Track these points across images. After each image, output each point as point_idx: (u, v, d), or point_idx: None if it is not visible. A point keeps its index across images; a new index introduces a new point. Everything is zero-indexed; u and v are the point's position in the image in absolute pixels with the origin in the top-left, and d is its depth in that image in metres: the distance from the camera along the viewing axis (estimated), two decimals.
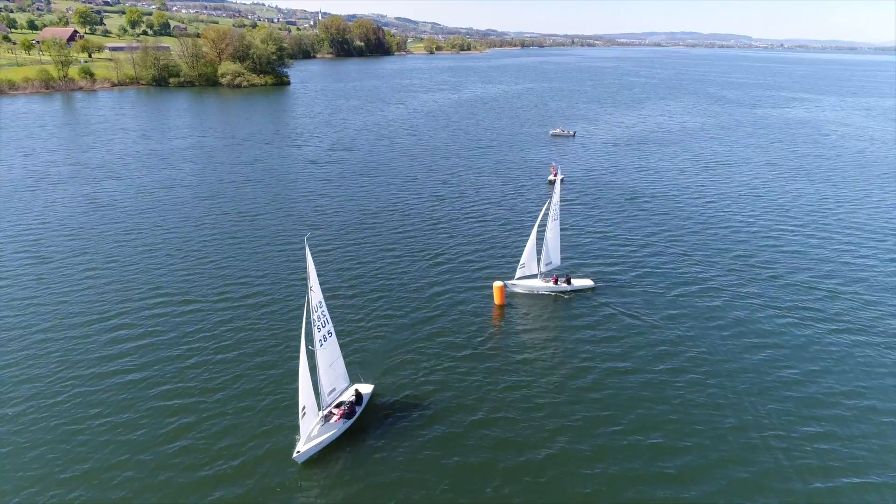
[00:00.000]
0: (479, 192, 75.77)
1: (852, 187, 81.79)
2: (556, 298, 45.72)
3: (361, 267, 50.94)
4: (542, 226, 45.70)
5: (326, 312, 29.38)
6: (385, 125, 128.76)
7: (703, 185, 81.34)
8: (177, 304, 43.82)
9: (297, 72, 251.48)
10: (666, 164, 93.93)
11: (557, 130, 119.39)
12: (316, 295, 28.06)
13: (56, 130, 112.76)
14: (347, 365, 32.85)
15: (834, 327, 42.17)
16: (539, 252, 46.10)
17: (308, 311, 28.20)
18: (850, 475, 28.45)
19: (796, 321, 42.91)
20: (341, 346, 32.09)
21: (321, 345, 29.11)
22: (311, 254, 28.04)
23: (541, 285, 46.26)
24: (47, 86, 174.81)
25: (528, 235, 46.28)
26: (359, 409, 31.55)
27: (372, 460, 28.77)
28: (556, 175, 79.74)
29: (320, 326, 28.86)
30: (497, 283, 44.14)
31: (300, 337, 28.63)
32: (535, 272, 46.20)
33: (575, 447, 29.70)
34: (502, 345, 39.29)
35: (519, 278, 45.94)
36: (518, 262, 46.33)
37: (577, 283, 46.89)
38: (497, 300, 43.89)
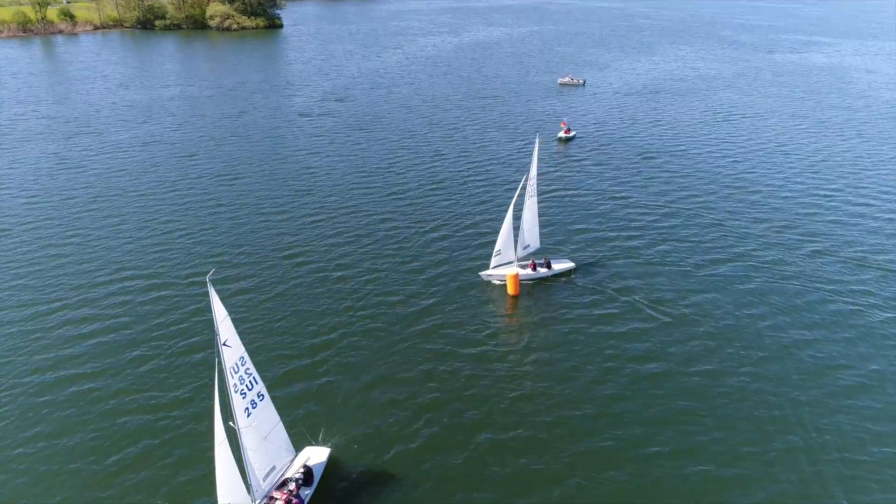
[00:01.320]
0: (484, 149, 69.64)
1: (887, 143, 75.50)
2: (549, 286, 40.11)
3: (347, 235, 45.76)
4: (519, 206, 39.58)
5: (253, 370, 21.60)
6: (382, 73, 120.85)
7: (724, 141, 75.02)
8: (142, 280, 38.94)
9: (291, 13, 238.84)
10: (683, 116, 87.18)
11: (566, 79, 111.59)
12: (234, 351, 20.46)
13: (29, 79, 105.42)
14: (293, 423, 25.72)
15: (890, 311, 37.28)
16: (516, 236, 40.19)
17: (221, 376, 20.44)
18: None
19: (847, 303, 37.92)
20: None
21: (248, 415, 21.49)
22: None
23: (519, 273, 40.02)
24: (24, 29, 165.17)
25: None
26: (309, 492, 23.27)
27: None
28: (567, 132, 73.59)
29: (245, 390, 21.20)
30: (510, 271, 38.71)
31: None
32: (512, 259, 40.37)
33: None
34: (518, 355, 33.79)
35: (495, 267, 39.91)
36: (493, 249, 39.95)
37: (558, 266, 41.32)
38: (511, 290, 38.36)
